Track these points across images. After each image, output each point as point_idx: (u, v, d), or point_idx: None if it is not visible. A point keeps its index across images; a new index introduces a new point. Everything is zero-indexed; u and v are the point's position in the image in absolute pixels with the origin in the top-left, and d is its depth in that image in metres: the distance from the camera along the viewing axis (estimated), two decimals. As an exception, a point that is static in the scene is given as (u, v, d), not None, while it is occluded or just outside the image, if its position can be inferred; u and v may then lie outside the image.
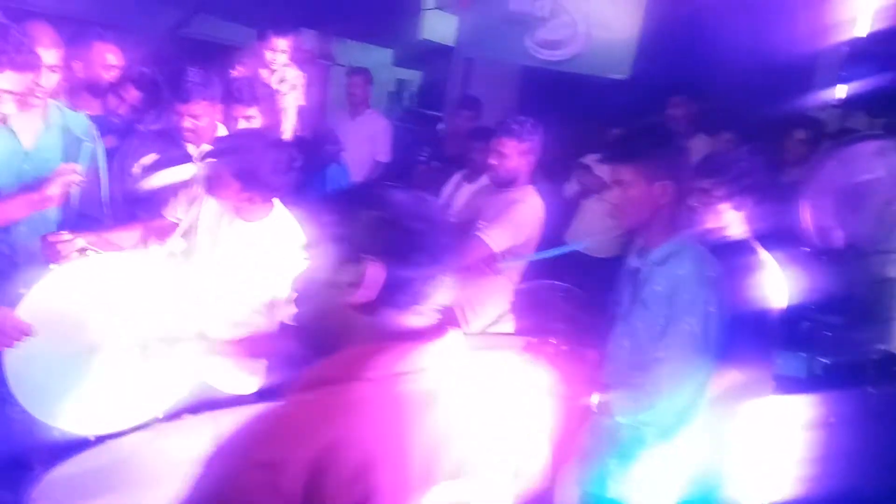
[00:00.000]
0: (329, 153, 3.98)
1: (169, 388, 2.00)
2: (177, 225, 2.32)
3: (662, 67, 4.92)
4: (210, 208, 2.26)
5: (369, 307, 1.01)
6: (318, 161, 3.72)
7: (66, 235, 2.01)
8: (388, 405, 0.97)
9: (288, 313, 2.20)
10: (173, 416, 1.94)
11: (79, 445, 1.74)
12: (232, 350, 2.19)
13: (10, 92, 1.85)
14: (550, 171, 3.73)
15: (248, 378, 2.26)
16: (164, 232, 2.32)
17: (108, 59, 3.04)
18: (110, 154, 2.84)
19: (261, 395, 2.21)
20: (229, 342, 2.18)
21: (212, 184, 2.14)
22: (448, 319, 1.07)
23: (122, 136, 2.96)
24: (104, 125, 3.05)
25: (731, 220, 2.25)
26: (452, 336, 1.06)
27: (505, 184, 2.93)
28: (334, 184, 4.00)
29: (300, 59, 3.98)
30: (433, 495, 1.00)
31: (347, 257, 1.01)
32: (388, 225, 1.01)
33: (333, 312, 1.03)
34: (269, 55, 3.73)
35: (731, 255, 2.08)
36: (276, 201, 2.24)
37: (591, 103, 4.76)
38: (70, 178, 2.22)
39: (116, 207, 2.61)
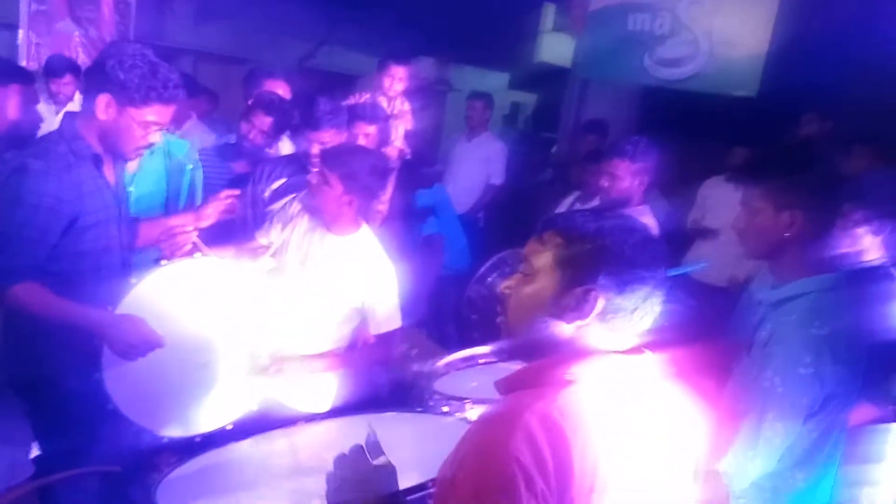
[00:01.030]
0: (427, 175, 4.05)
1: (241, 399, 2.09)
2: (267, 247, 2.44)
3: (792, 83, 4.66)
4: (302, 226, 2.39)
5: (580, 327, 1.11)
6: (416, 182, 3.80)
7: (188, 227, 2.16)
8: (594, 409, 1.06)
9: (379, 326, 2.34)
10: (244, 426, 2.02)
11: (200, 447, 1.84)
12: (325, 364, 2.30)
13: (157, 123, 2.01)
14: (671, 193, 3.63)
15: (320, 395, 2.33)
16: (256, 253, 2.43)
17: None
18: (242, 179, 3.05)
19: (330, 413, 2.24)
20: (322, 356, 2.29)
21: (317, 188, 2.28)
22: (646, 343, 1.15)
23: (253, 162, 3.16)
24: (236, 151, 3.29)
25: (869, 245, 2.09)
26: (649, 356, 1.15)
27: (617, 206, 2.87)
28: (431, 204, 4.09)
29: (415, 86, 4.12)
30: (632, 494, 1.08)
31: (573, 282, 1.10)
32: (618, 256, 1.09)
33: (546, 327, 1.12)
34: (386, 83, 3.89)
35: (867, 281, 1.93)
36: (364, 223, 2.37)
37: (714, 122, 4.58)
38: (226, 204, 2.36)
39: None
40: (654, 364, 1.15)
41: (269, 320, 2.18)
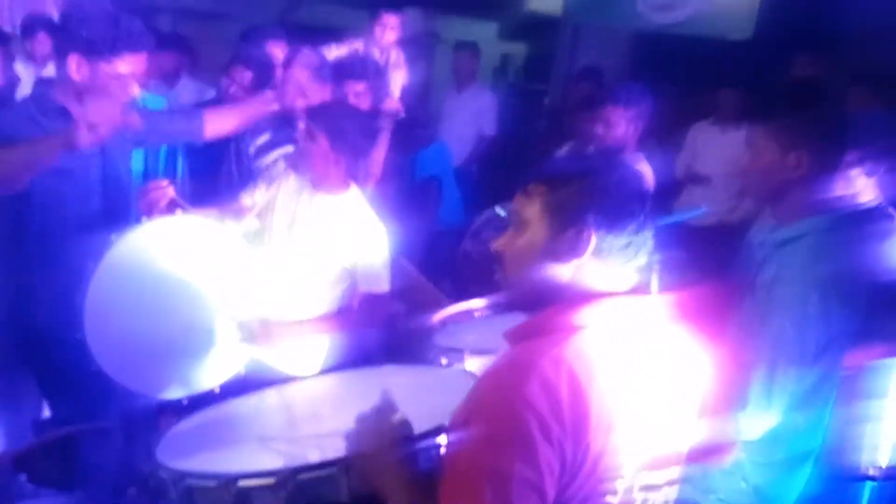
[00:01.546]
0: (422, 136, 3.99)
1: (228, 362, 2.08)
2: (251, 208, 2.39)
3: (787, 25, 4.58)
4: (289, 186, 2.35)
5: (578, 267, 1.12)
6: (413, 143, 3.74)
7: (163, 183, 2.13)
8: (605, 352, 1.08)
9: (369, 287, 2.31)
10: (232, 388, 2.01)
11: (188, 409, 1.83)
12: (314, 327, 2.27)
13: (133, 75, 1.97)
14: (666, 139, 3.58)
15: (310, 358, 2.30)
16: (240, 213, 2.39)
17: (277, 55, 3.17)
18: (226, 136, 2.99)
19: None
20: (312, 319, 2.27)
21: (304, 148, 2.25)
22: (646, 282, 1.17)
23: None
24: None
25: (863, 187, 2.05)
26: (655, 298, 1.17)
27: (612, 153, 2.83)
28: (434, 164, 4.03)
29: (407, 37, 4.02)
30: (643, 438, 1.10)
31: (564, 225, 1.11)
32: (603, 192, 1.11)
33: (545, 274, 1.13)
34: (378, 32, 3.78)
35: (866, 222, 1.90)
36: (353, 184, 2.33)
37: (709, 66, 4.51)
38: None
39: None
40: (660, 305, 1.17)
41: (256, 283, 2.15)
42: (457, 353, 2.05)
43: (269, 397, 1.84)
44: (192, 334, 2.05)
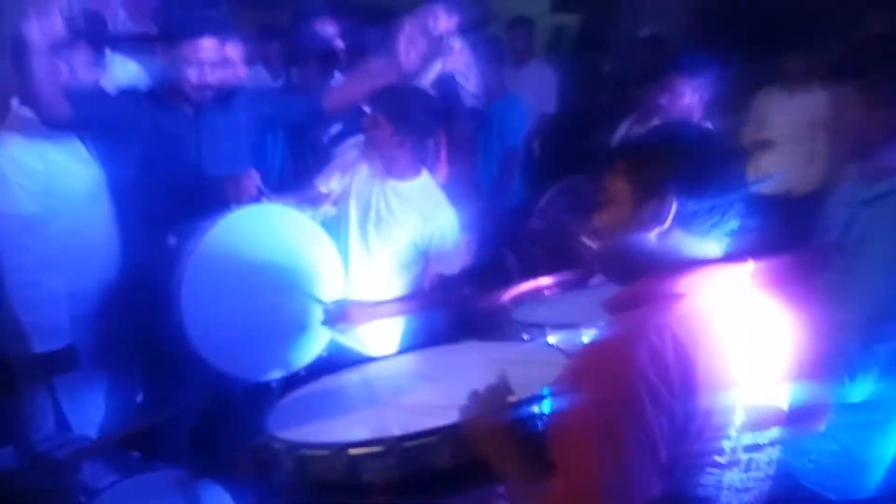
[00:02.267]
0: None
1: (311, 344, 2.21)
2: (328, 195, 2.50)
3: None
4: (362, 173, 2.45)
5: (664, 236, 1.17)
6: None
7: (252, 172, 2.25)
8: (705, 318, 1.13)
9: (442, 268, 2.40)
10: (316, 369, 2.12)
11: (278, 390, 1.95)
12: (391, 309, 2.38)
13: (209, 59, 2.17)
14: (732, 106, 3.53)
15: (388, 339, 2.42)
16: (317, 200, 2.50)
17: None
18: (297, 125, 3.10)
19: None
20: (389, 301, 2.38)
21: (370, 132, 2.34)
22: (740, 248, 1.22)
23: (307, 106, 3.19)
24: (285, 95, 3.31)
25: None
26: (750, 266, 1.21)
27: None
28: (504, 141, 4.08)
29: (459, 19, 4.02)
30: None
31: (646, 195, 1.17)
32: (686, 160, 1.15)
33: (635, 244, 1.19)
34: (430, 20, 3.80)
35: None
36: (423, 169, 2.42)
37: (775, 27, 4.39)
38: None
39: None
40: (752, 271, 1.21)
41: (335, 266, 2.27)
42: (538, 328, 2.12)
43: (364, 372, 1.95)
44: (279, 317, 2.18)
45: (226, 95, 2.41)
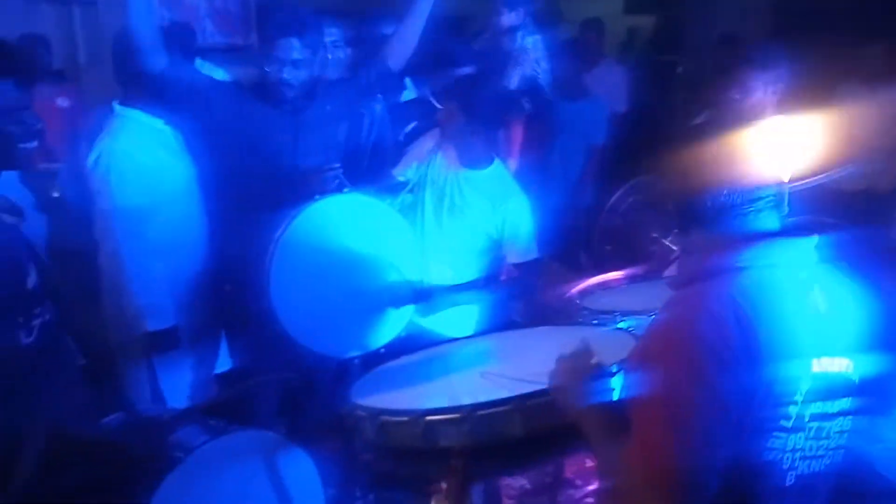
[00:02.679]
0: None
1: (390, 325, 2.35)
2: (405, 184, 2.61)
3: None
4: (437, 162, 2.56)
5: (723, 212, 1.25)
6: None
7: (335, 165, 2.42)
8: (766, 289, 1.20)
9: (517, 256, 2.47)
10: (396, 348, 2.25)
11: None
12: (467, 295, 2.48)
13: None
14: (810, 100, 3.47)
15: (463, 323, 2.52)
16: (395, 189, 2.61)
17: None
18: (372, 124, 3.24)
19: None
20: (464, 286, 2.48)
21: (444, 122, 2.46)
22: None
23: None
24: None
25: None
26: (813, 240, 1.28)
27: (750, 119, 2.82)
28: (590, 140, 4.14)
29: (532, 21, 4.09)
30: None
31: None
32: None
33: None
34: (504, 21, 3.87)
35: None
36: (496, 158, 2.51)
37: (853, 20, 4.29)
38: None
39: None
40: (813, 246, 1.27)
41: (413, 252, 2.40)
42: (608, 314, 2.19)
43: (441, 351, 2.07)
44: (361, 300, 2.32)
45: (313, 91, 2.57)
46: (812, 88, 3.64)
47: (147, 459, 1.83)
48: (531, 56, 3.88)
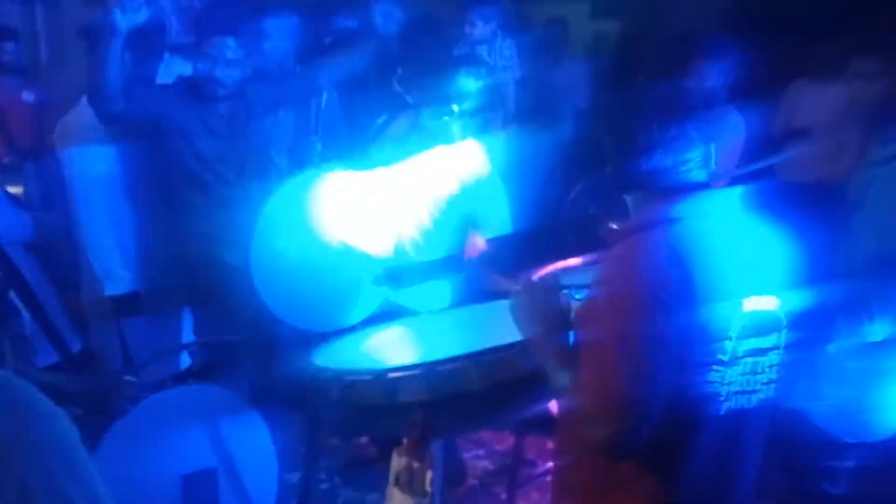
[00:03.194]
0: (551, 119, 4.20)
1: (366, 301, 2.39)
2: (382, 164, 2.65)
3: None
4: (413, 143, 2.61)
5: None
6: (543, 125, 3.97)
7: (314, 140, 2.50)
8: (700, 236, 1.29)
9: (491, 232, 2.54)
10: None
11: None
12: (441, 270, 2.53)
13: None
14: (763, 95, 3.62)
15: (436, 298, 2.54)
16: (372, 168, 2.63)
17: None
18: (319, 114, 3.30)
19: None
20: (439, 262, 2.54)
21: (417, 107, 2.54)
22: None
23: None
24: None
25: None
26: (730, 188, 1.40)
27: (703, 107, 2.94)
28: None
29: (509, 26, 4.15)
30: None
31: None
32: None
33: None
34: (479, 28, 3.90)
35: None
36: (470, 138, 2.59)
37: (804, 19, 4.46)
38: None
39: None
40: (740, 196, 1.37)
41: (389, 229, 2.45)
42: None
43: (406, 322, 2.14)
44: (338, 276, 2.36)
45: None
46: (767, 83, 3.81)
47: (94, 409, 1.86)
48: (503, 62, 4.00)
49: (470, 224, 2.59)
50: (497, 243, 2.58)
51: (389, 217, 2.49)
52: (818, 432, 1.85)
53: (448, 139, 2.56)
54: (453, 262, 2.59)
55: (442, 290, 2.59)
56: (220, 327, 2.60)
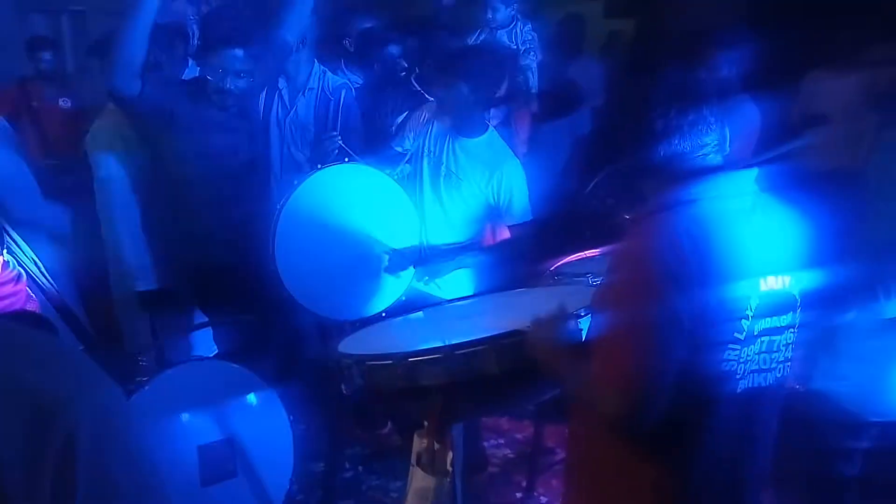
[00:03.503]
0: (571, 106, 4.22)
1: (391, 289, 2.49)
2: (403, 154, 2.72)
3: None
4: (433, 132, 2.67)
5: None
6: (561, 113, 3.99)
7: (334, 134, 2.54)
8: (716, 217, 1.30)
9: (512, 219, 2.58)
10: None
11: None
12: (464, 257, 2.61)
13: None
14: (780, 85, 3.62)
15: (459, 285, 2.64)
16: (394, 159, 2.72)
17: None
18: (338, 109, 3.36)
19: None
20: (462, 249, 2.61)
21: (444, 97, 2.58)
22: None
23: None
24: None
25: None
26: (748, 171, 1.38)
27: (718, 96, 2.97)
28: (576, 130, 4.28)
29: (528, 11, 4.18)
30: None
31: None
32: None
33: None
34: (501, 13, 3.94)
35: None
36: (490, 126, 2.64)
37: (823, 12, 4.45)
38: None
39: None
40: (756, 179, 1.38)
41: (412, 220, 2.51)
42: (582, 276, 2.31)
43: (426, 311, 2.18)
44: (363, 265, 2.45)
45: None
46: (781, 73, 3.81)
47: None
48: (526, 47, 4.03)
49: (492, 211, 2.63)
50: (517, 231, 2.63)
51: (417, 206, 2.56)
52: (837, 412, 1.87)
53: (469, 129, 2.61)
54: (474, 249, 2.65)
55: (462, 277, 2.65)
56: (241, 321, 2.67)
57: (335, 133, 2.55)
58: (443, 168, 2.62)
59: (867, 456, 1.89)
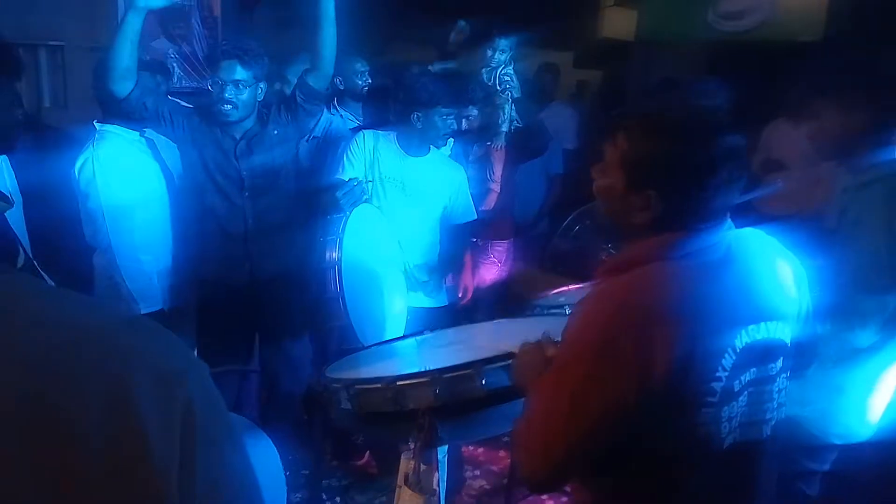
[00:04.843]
0: (540, 145, 4.35)
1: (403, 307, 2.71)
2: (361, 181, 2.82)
3: (857, 24, 4.73)
4: (384, 157, 2.88)
5: (655, 222, 1.25)
6: (532, 151, 4.13)
7: (356, 181, 2.72)
8: (687, 277, 1.23)
9: (460, 218, 2.94)
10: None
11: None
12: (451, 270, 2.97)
13: None
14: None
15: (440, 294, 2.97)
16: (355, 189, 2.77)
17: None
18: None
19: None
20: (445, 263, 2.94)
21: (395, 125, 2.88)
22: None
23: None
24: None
25: None
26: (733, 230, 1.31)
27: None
28: (549, 170, 4.42)
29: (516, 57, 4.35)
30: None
31: (634, 186, 1.23)
32: (669, 160, 1.20)
33: (628, 222, 1.29)
34: (488, 55, 4.07)
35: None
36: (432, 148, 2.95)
37: (780, 70, 4.71)
38: None
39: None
40: (735, 237, 1.32)
41: (401, 240, 2.82)
42: (559, 308, 2.40)
43: (412, 339, 2.25)
44: (384, 292, 2.69)
45: (262, 115, 2.84)
46: (741, 123, 4.00)
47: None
48: (503, 87, 4.17)
49: (449, 211, 2.96)
50: (464, 229, 3.04)
51: (394, 228, 2.85)
52: (802, 436, 1.95)
53: (416, 150, 2.89)
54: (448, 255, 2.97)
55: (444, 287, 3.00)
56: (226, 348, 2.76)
57: (360, 179, 2.78)
58: (408, 186, 2.86)
59: (827, 477, 1.99)
